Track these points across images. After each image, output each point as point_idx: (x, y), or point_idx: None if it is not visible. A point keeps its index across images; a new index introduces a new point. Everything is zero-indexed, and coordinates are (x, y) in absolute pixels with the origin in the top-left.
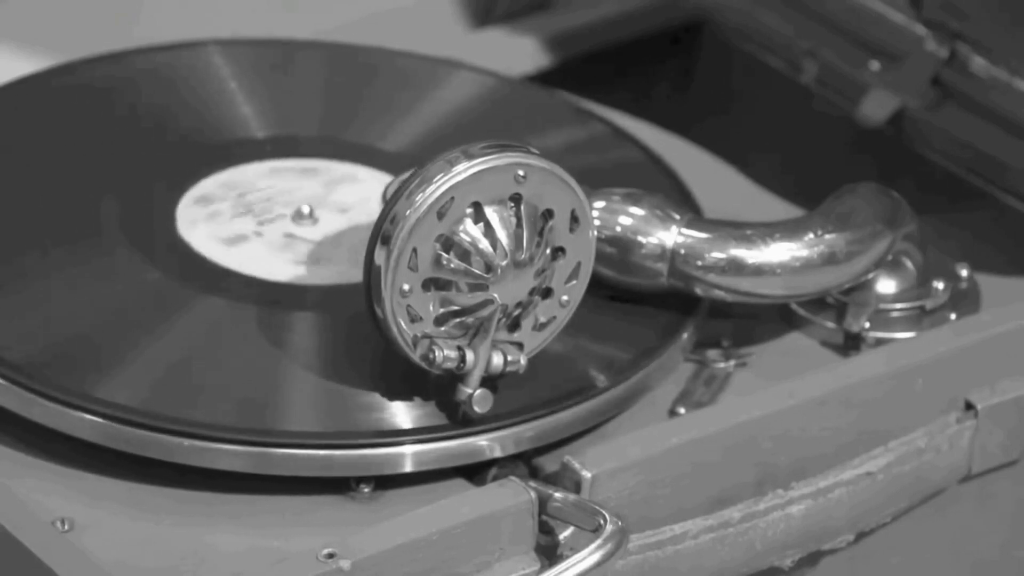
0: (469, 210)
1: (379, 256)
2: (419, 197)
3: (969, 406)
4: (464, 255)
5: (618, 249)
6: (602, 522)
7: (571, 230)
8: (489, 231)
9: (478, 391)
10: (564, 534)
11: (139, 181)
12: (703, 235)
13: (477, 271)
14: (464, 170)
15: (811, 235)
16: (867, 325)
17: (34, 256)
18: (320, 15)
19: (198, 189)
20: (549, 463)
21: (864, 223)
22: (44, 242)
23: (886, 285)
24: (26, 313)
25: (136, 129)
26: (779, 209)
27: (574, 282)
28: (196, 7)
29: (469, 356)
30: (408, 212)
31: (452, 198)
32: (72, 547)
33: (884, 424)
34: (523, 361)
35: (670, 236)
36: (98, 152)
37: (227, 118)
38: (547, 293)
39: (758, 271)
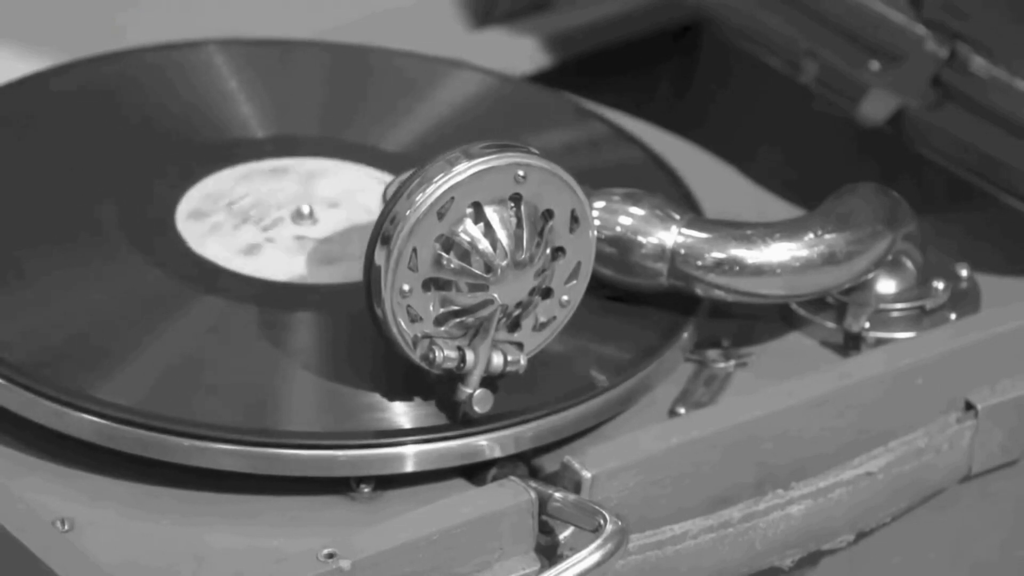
0: (469, 210)
1: (379, 256)
2: (419, 197)
3: (969, 406)
4: (464, 255)
5: (618, 249)
6: (602, 522)
7: (571, 230)
8: (489, 231)
9: (478, 391)
10: (564, 534)
11: (139, 181)
12: (703, 235)
13: (477, 271)
14: (464, 170)
15: (811, 235)
16: (867, 325)
17: (34, 256)
18: (320, 15)
19: (198, 188)
20: (549, 463)
21: (864, 223)
22: (44, 242)
23: (886, 285)
24: (26, 313)
25: (136, 129)
26: (779, 209)
27: (574, 282)
28: (195, 7)
29: (469, 356)
30: (408, 212)
31: (452, 198)
32: (72, 547)
33: (884, 424)
34: (523, 361)
35: (670, 236)
36: (98, 152)
37: (227, 118)
38: (547, 293)
39: (758, 271)
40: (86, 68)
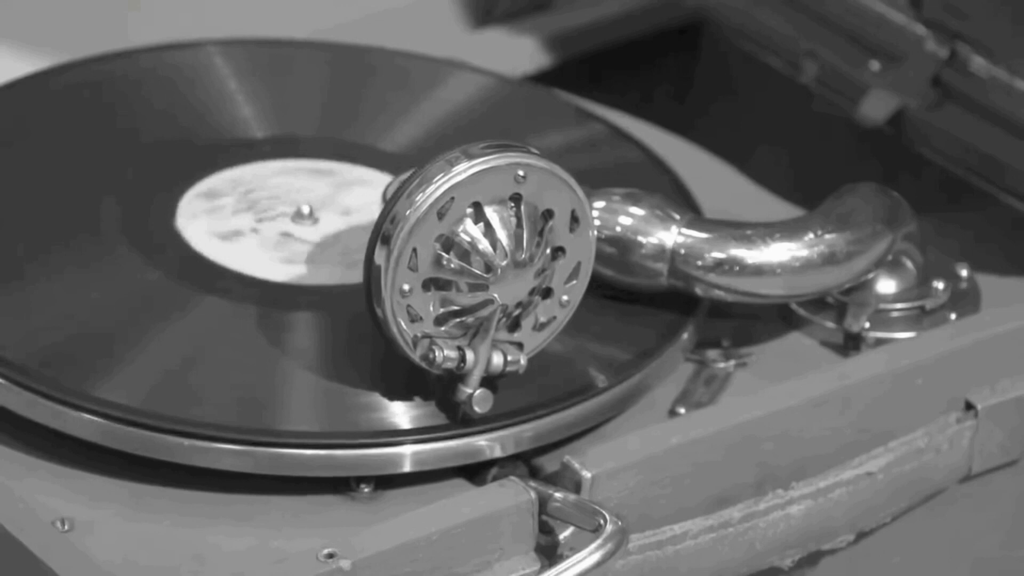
0: (469, 210)
1: (379, 256)
2: (419, 197)
3: (969, 406)
4: (464, 255)
5: (618, 249)
6: (602, 522)
7: (571, 230)
8: (489, 231)
9: (478, 391)
10: (564, 534)
11: (139, 181)
12: (703, 235)
13: (477, 271)
14: (464, 170)
15: (811, 235)
16: (867, 325)
17: (34, 256)
18: (320, 15)
19: (198, 189)
20: (549, 463)
21: (864, 223)
22: (44, 242)
23: (886, 285)
24: (26, 313)
25: (136, 129)
26: (779, 209)
27: (574, 282)
28: (195, 7)
29: (469, 356)
30: (408, 212)
31: (452, 198)
32: (72, 547)
33: (884, 424)
34: (523, 361)
35: (670, 236)
36: (98, 152)
37: (227, 118)
38: (547, 293)
39: (758, 271)
40: (86, 68)
